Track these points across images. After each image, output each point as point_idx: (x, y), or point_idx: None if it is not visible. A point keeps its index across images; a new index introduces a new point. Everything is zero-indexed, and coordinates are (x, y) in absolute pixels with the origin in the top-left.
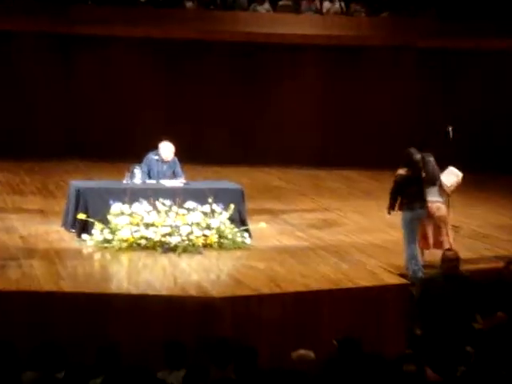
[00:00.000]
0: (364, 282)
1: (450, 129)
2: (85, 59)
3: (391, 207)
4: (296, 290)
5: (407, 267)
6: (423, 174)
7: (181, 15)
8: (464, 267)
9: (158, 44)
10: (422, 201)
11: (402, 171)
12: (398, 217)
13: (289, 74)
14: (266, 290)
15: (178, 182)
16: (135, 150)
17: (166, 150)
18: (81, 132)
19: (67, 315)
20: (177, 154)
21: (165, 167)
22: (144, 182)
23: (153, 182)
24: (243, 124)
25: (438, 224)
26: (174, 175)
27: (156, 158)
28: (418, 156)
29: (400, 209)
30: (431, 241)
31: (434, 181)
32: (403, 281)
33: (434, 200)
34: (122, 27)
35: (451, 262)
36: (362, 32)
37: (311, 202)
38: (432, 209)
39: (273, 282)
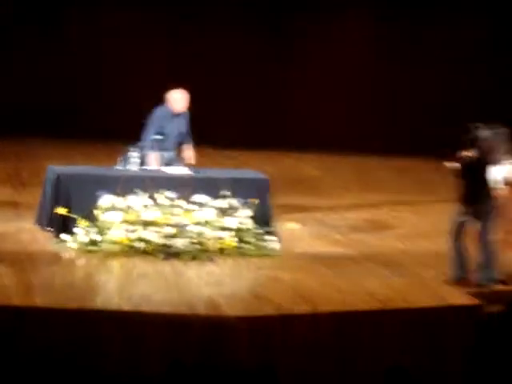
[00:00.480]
0: (421, 301)
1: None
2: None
3: None
4: (332, 310)
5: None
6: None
7: None
8: None
9: None
10: None
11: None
12: None
13: (327, 32)
14: (293, 309)
15: (186, 169)
16: (130, 129)
17: (180, 98)
18: (60, 105)
19: (40, 336)
20: None
21: (175, 121)
22: (142, 169)
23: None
24: (266, 97)
25: None
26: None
27: (165, 111)
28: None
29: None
30: None
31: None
32: (473, 301)
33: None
34: None
35: None
36: None
37: (355, 198)
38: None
39: (303, 299)
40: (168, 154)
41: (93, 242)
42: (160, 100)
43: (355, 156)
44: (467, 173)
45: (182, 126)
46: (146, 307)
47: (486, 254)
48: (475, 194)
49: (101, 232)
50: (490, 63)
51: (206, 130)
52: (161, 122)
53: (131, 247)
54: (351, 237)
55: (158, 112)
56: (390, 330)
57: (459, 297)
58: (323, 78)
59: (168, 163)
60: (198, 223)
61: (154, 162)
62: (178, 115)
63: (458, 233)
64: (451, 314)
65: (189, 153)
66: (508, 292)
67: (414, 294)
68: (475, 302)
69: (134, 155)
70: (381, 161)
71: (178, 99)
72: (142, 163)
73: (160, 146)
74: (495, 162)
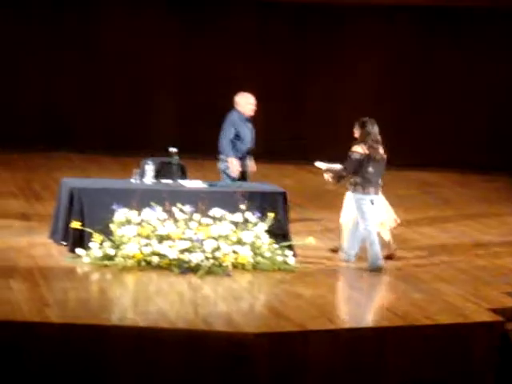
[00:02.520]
0: (442, 317)
1: None
2: (75, 20)
3: None
4: (352, 326)
5: None
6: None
7: None
8: None
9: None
10: None
11: None
12: (488, 233)
13: (353, 41)
14: (313, 325)
15: (201, 183)
16: (146, 141)
17: (250, 101)
18: (74, 116)
19: (54, 352)
20: (196, 147)
21: (248, 125)
22: (157, 182)
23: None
24: (285, 106)
25: None
26: None
27: (238, 115)
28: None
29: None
30: None
31: None
32: (496, 317)
33: None
34: None
35: None
36: None
37: None
38: None
39: (323, 315)
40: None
41: (108, 257)
42: (171, 114)
43: None
44: None
45: (253, 131)
46: (161, 323)
47: None
48: None
49: (116, 246)
50: None
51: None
52: (237, 125)
53: (146, 262)
54: None
55: (234, 115)
56: (410, 346)
57: (481, 313)
58: (344, 89)
59: (244, 174)
60: (213, 237)
61: (236, 165)
62: (248, 119)
63: None
64: (473, 331)
65: (250, 161)
66: None
67: (434, 310)
68: (497, 318)
69: (149, 168)
70: (401, 175)
71: (248, 103)
72: (158, 175)
73: (238, 150)
74: None
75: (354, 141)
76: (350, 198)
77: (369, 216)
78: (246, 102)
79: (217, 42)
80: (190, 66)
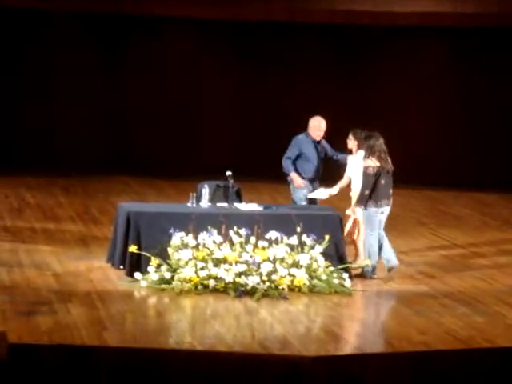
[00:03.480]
0: (504, 340)
1: None
2: (135, 47)
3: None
4: (412, 350)
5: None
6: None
7: None
8: None
9: (231, 27)
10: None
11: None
12: None
13: (402, 65)
14: (372, 349)
15: (256, 206)
16: (201, 165)
17: (317, 125)
18: (131, 142)
19: (112, 377)
20: (251, 169)
21: (317, 149)
22: (213, 206)
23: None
24: (338, 127)
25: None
26: (329, 156)
27: (305, 137)
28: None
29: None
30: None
31: None
32: None
33: None
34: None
35: None
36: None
37: (432, 234)
38: None
39: (381, 339)
40: (313, 183)
41: (165, 281)
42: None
43: (431, 189)
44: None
45: (321, 153)
46: (218, 347)
47: None
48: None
49: (173, 270)
50: None
51: (275, 165)
52: (301, 146)
53: (203, 285)
54: (429, 274)
55: (301, 136)
56: (472, 370)
57: None
58: (394, 112)
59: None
60: (269, 260)
61: (299, 179)
62: (318, 142)
63: None
64: None
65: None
66: None
67: (496, 334)
68: None
69: (205, 191)
70: (459, 194)
71: (317, 128)
72: (214, 199)
73: (303, 171)
74: None
75: (348, 152)
76: (359, 213)
77: (376, 227)
78: (315, 127)
79: (268, 69)
80: (246, 92)
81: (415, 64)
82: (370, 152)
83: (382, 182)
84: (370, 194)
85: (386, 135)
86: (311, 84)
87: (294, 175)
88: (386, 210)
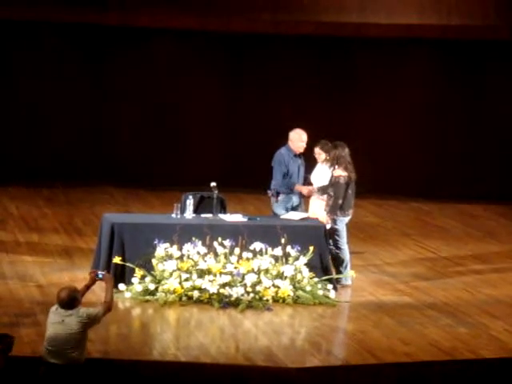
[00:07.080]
0: (487, 352)
1: None
2: (120, 57)
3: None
4: (396, 361)
5: None
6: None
7: (249, 2)
8: None
9: (216, 38)
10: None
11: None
12: None
13: (388, 77)
14: (355, 360)
15: (241, 217)
16: (186, 175)
17: (298, 138)
18: (113, 151)
19: None
20: (236, 180)
21: (297, 162)
22: (198, 217)
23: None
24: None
25: None
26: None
27: (287, 151)
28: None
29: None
30: None
31: None
32: None
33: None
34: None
35: None
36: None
37: (416, 245)
38: None
39: (365, 350)
40: (295, 199)
41: (149, 292)
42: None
43: (415, 201)
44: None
45: (302, 168)
46: (202, 358)
47: None
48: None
49: (157, 281)
50: None
51: (261, 177)
52: (286, 162)
53: (187, 296)
54: (413, 285)
55: (283, 152)
56: (456, 381)
57: None
58: (380, 125)
59: (294, 208)
60: (254, 271)
61: (305, 188)
62: (298, 156)
63: None
64: None
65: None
66: None
67: (480, 345)
68: None
69: (189, 202)
70: (442, 206)
71: (300, 140)
72: (198, 210)
73: (286, 186)
74: None
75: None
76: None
77: (344, 235)
78: (298, 140)
79: (258, 81)
80: (232, 103)
81: (401, 75)
82: (337, 162)
83: (349, 191)
84: (339, 203)
85: (371, 147)
86: (297, 96)
87: (298, 187)
88: (349, 218)
